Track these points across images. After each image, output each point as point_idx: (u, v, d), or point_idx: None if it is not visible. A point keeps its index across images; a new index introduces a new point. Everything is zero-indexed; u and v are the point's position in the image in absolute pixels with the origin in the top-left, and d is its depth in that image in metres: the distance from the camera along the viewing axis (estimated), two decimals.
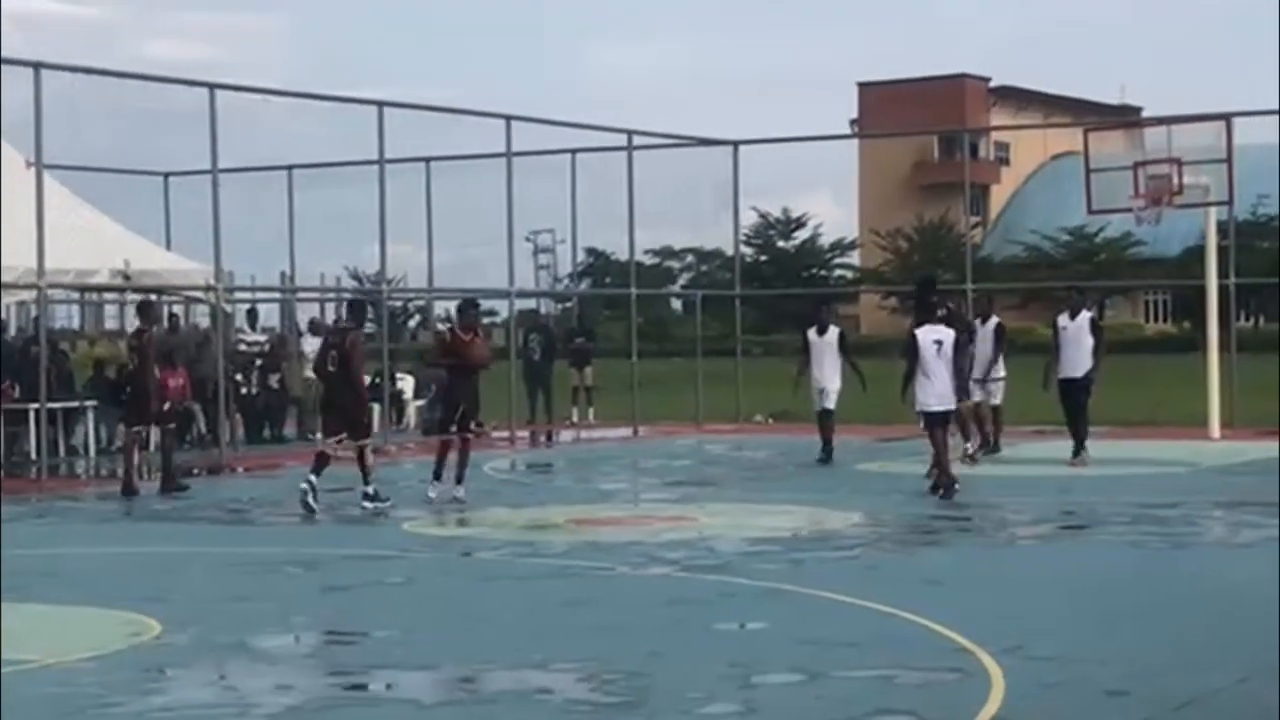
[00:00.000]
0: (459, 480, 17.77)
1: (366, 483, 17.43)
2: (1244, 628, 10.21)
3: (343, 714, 8.29)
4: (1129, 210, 25.49)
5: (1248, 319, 56.67)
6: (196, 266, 25.15)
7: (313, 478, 17.21)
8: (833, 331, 21.62)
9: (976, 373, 22.09)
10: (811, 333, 21.82)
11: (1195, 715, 7.96)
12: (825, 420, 21.66)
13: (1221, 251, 25.73)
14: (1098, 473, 20.16)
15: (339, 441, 17.56)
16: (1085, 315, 21.09)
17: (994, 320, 22.75)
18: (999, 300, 25.99)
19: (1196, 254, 30.35)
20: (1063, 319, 21.06)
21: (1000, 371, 22.23)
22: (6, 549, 13.56)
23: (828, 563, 13.26)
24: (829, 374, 21.46)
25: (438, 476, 17.86)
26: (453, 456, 17.90)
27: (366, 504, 17.32)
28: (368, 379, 29.28)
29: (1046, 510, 16.36)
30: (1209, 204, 25.19)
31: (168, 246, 28.52)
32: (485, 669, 9.16)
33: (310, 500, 17.09)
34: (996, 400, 22.37)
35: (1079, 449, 20.70)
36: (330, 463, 17.51)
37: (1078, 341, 20.73)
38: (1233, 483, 18.84)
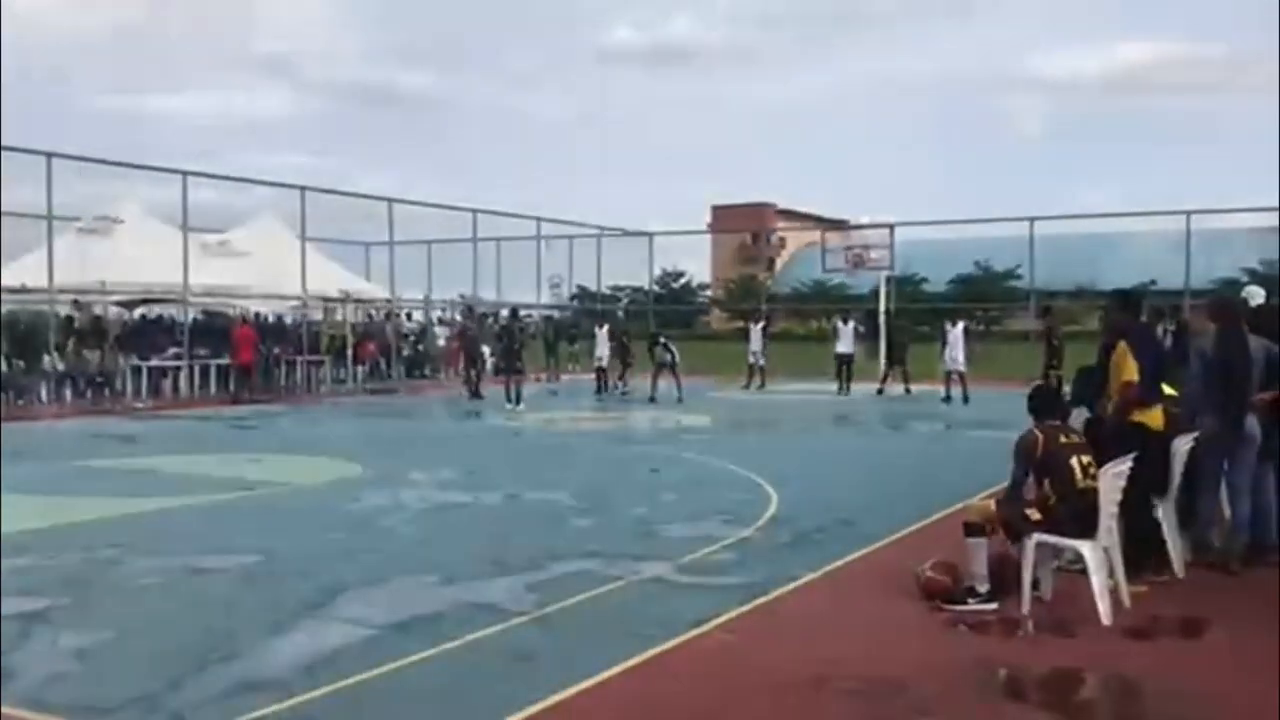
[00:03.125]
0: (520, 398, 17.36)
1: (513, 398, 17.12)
2: (889, 476, 10.16)
3: (453, 512, 8.12)
4: (843, 270, 25.71)
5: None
6: (380, 289, 24.80)
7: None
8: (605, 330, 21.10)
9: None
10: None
11: (869, 516, 7.85)
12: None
13: (889, 292, 25.88)
14: (826, 399, 20.00)
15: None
16: (851, 321, 21.35)
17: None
18: (782, 314, 25.99)
19: (875, 292, 30.54)
20: (839, 323, 21.33)
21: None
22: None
23: (695, 442, 13.07)
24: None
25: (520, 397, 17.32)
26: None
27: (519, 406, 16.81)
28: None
29: (805, 419, 16.19)
30: (881, 268, 25.35)
31: (367, 279, 28.15)
32: (532, 489, 8.95)
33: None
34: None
35: (848, 390, 20.28)
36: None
37: (848, 335, 20.70)
38: (891, 407, 18.77)
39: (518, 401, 17.49)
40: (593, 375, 20.84)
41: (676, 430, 14.85)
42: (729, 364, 26.72)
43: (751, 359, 22.54)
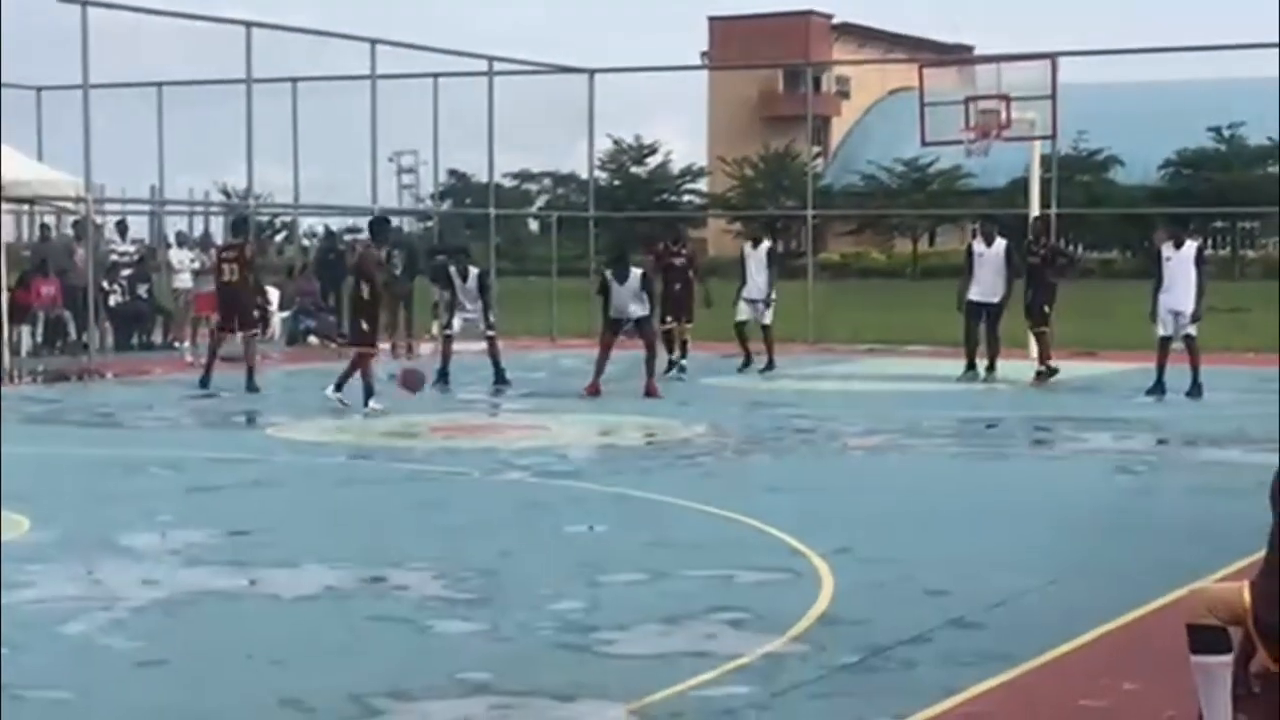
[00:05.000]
0: (370, 392, 17.52)
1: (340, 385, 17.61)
2: (1054, 534, 10.44)
3: (205, 608, 8.24)
4: (960, 143, 25.78)
5: (1066, 247, 57.65)
6: (68, 178, 24.72)
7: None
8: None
9: (752, 293, 22.26)
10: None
11: (1006, 613, 8.13)
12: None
13: (1044, 183, 26.09)
14: (923, 389, 20.45)
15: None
16: (1001, 243, 21.21)
17: (765, 244, 23.03)
18: (837, 226, 26.27)
19: (1021, 185, 30.77)
20: (979, 246, 21.22)
21: (772, 294, 22.41)
22: None
23: (673, 470, 13.35)
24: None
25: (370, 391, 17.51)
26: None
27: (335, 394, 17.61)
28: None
29: (875, 423, 16.56)
30: (1034, 138, 25.51)
31: (40, 158, 27.98)
32: (343, 567, 9.14)
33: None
34: (767, 320, 22.55)
35: (992, 367, 20.93)
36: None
37: (995, 268, 20.87)
38: (1049, 400, 19.18)
39: (338, 387, 17.60)
40: (483, 345, 20.85)
41: (642, 449, 14.92)
42: None
43: (747, 313, 22.57)
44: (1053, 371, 20.85)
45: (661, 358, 20.29)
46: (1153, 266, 19.36)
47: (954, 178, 70.81)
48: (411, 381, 17.95)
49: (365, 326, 17.71)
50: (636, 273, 19.24)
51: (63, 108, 28.23)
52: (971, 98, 25.38)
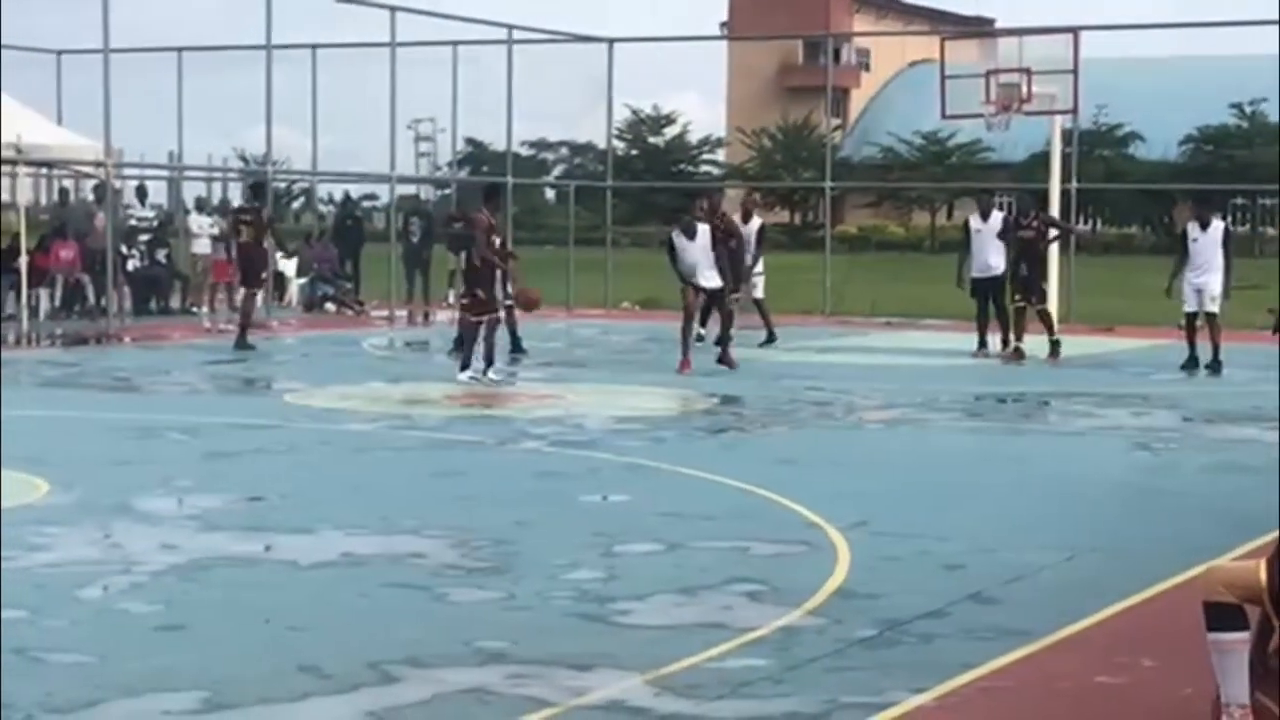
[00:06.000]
0: (490, 361, 17.42)
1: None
2: (1072, 509, 10.43)
3: (222, 573, 8.25)
4: (980, 116, 25.71)
5: (1086, 222, 57.52)
6: (87, 143, 24.76)
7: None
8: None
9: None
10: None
11: (1023, 588, 8.12)
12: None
13: (1064, 158, 26.00)
14: (941, 363, 20.42)
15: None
16: (997, 216, 21.05)
17: (756, 221, 22.86)
18: (855, 198, 26.19)
19: (1041, 160, 30.72)
20: (975, 221, 20.98)
21: (759, 267, 22.22)
22: None
23: (688, 441, 13.35)
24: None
25: (490, 360, 17.41)
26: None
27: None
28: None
29: (892, 396, 16.54)
30: (1055, 112, 25.44)
31: (59, 122, 28.00)
32: (359, 534, 9.16)
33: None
34: (759, 294, 22.40)
35: (1006, 340, 20.72)
36: None
37: (991, 243, 20.65)
38: (1068, 375, 19.14)
39: (486, 363, 17.47)
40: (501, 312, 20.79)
41: (658, 419, 14.94)
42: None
43: (747, 289, 22.20)
44: (1019, 352, 20.61)
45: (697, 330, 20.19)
46: (1179, 247, 19.22)
47: (973, 151, 70.56)
48: (529, 300, 18.51)
49: (480, 294, 17.46)
50: (704, 229, 19.08)
51: (83, 72, 28.29)
52: (992, 71, 25.30)
